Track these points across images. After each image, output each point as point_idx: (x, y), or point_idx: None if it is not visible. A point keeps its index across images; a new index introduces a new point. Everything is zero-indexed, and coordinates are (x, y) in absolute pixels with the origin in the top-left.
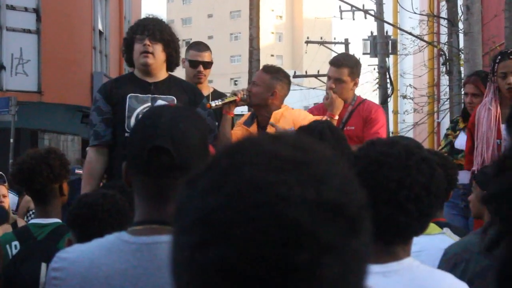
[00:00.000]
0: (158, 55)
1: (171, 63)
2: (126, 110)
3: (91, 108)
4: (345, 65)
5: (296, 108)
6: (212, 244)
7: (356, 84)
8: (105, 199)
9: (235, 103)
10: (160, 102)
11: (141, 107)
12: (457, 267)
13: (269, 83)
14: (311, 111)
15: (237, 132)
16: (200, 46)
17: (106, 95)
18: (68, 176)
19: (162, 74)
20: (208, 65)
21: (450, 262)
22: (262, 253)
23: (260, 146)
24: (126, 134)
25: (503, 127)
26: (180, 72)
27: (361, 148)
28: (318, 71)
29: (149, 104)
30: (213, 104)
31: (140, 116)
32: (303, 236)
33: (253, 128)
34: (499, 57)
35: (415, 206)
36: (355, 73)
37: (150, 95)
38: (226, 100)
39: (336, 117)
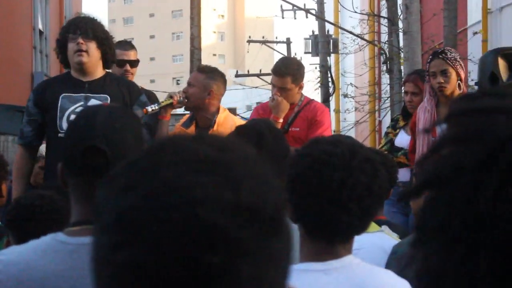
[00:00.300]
0: (92, 53)
1: (107, 61)
2: (58, 111)
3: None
4: (287, 74)
5: (239, 108)
6: (125, 245)
7: (301, 87)
8: (42, 200)
9: (171, 106)
10: (93, 101)
11: (73, 107)
12: (409, 267)
13: (205, 83)
14: (257, 109)
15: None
16: (125, 45)
17: (38, 95)
18: (7, 177)
19: (98, 72)
20: (134, 63)
21: (401, 262)
22: (175, 255)
23: (180, 146)
24: (59, 135)
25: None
26: None
27: (305, 147)
28: (260, 70)
29: (82, 103)
30: (149, 109)
31: (71, 116)
32: (217, 238)
33: (191, 130)
34: (431, 57)
35: (357, 206)
36: (298, 78)
37: (83, 94)
38: (163, 104)
39: (281, 120)
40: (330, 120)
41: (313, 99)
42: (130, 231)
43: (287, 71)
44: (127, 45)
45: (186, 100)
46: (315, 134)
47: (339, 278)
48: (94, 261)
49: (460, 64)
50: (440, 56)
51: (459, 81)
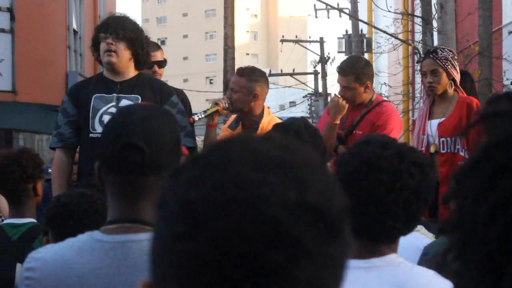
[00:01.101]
0: (121, 53)
1: (139, 61)
2: (90, 111)
3: (59, 108)
4: (350, 73)
5: (272, 108)
6: (188, 236)
7: (368, 87)
8: (82, 199)
9: (218, 113)
10: (124, 102)
11: (105, 107)
12: (440, 268)
13: (248, 86)
14: (327, 110)
15: (223, 137)
16: (152, 47)
17: (73, 97)
18: (43, 176)
19: (130, 72)
20: (162, 63)
21: (432, 264)
22: (237, 249)
23: (248, 144)
24: (91, 135)
25: (428, 123)
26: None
27: (355, 146)
28: (294, 70)
29: (113, 103)
30: (196, 117)
31: (104, 116)
32: (281, 236)
33: (238, 132)
34: (423, 56)
35: (403, 210)
36: (362, 78)
37: (115, 95)
38: (209, 112)
39: (337, 122)
40: (397, 123)
41: (385, 100)
42: (195, 221)
43: (350, 70)
44: (154, 46)
45: (231, 106)
46: None
47: (381, 276)
48: (154, 250)
49: (452, 64)
50: (431, 55)
51: (451, 81)
